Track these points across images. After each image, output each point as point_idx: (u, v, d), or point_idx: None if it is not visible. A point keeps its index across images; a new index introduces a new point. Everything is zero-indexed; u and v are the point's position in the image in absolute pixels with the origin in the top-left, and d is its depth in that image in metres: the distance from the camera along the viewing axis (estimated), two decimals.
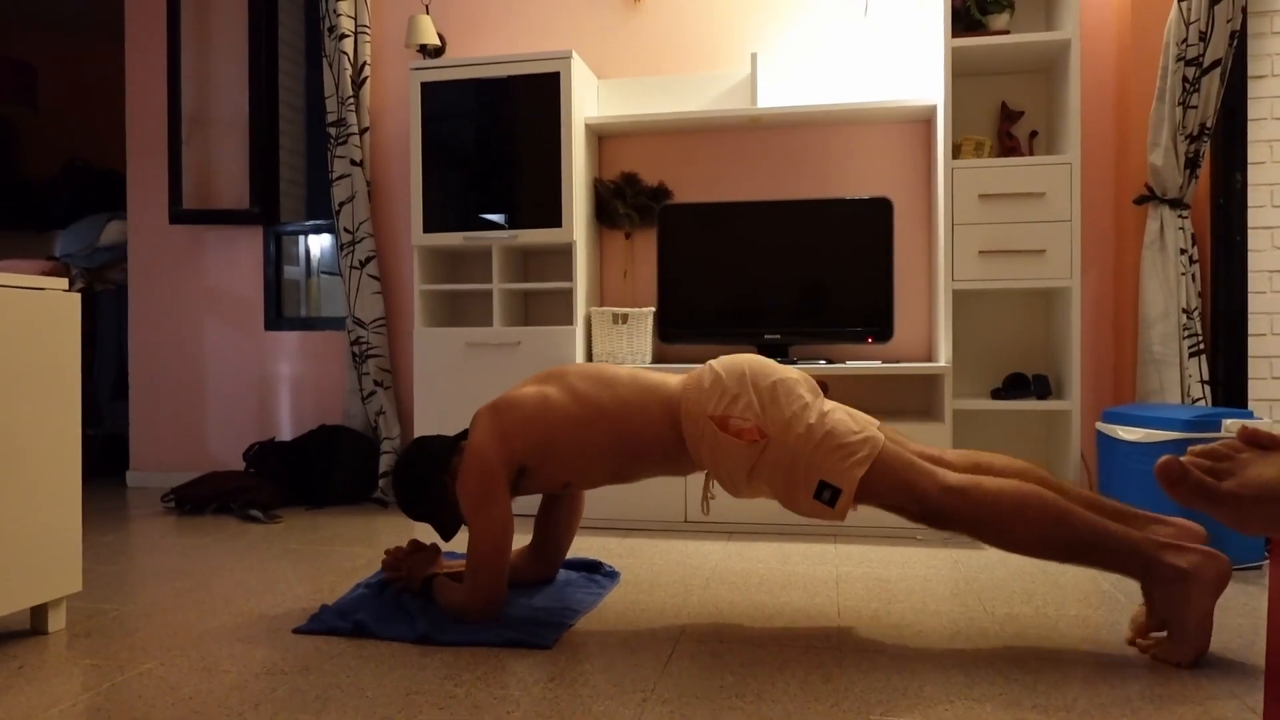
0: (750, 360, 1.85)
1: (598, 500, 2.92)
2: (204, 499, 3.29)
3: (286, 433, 3.81)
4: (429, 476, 1.95)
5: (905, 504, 1.72)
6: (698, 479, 2.83)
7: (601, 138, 3.49)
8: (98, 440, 4.28)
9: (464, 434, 2.03)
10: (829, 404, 1.80)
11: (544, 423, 1.84)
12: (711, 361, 1.88)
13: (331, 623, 1.84)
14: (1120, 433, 2.49)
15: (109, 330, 4.24)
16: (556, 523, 2.12)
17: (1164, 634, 1.63)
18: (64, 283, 1.85)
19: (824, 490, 1.71)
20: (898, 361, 3.15)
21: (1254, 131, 2.92)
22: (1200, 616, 1.56)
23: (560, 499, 2.10)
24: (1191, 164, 2.80)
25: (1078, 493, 1.76)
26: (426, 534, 2.85)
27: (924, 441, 2.72)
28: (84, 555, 2.56)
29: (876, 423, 1.79)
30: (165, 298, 3.95)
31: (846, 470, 1.70)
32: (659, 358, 3.37)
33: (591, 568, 2.27)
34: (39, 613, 1.84)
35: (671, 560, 2.45)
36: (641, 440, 1.84)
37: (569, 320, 3.33)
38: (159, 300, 3.96)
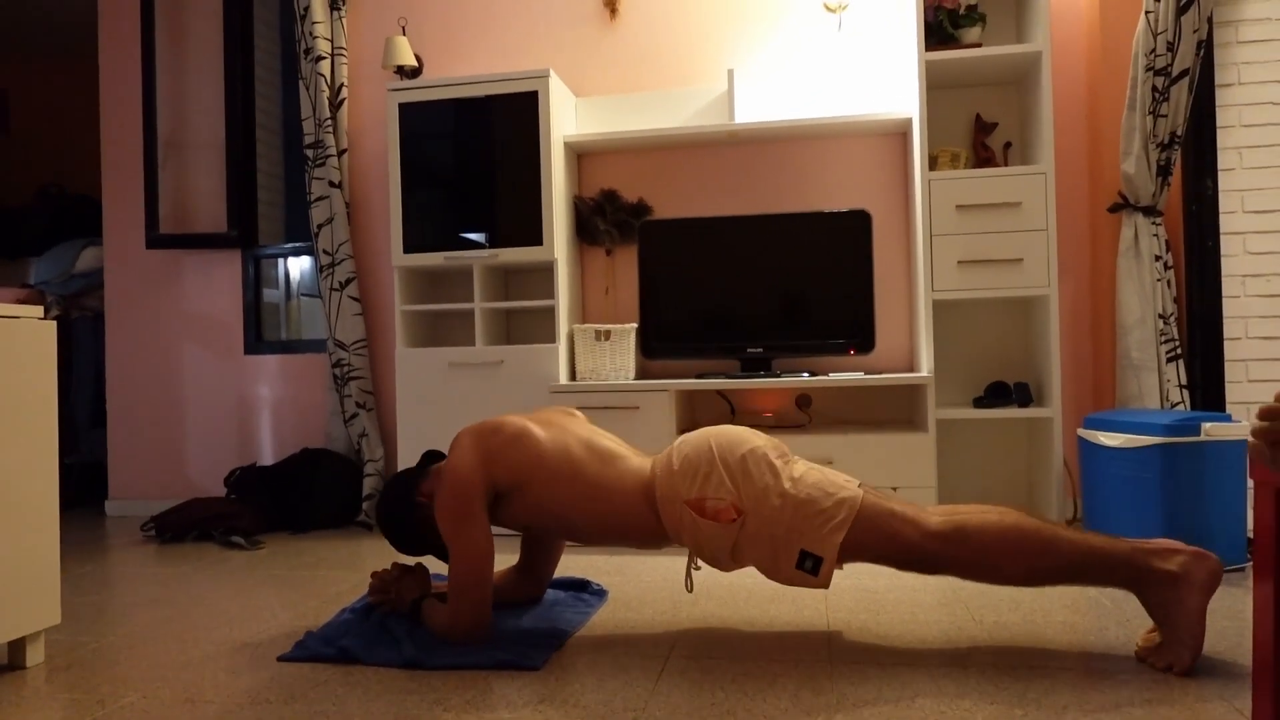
0: (716, 435, 1.82)
1: None
2: (185, 526, 3.24)
3: (268, 457, 3.77)
4: (403, 503, 1.94)
5: (891, 554, 1.70)
6: None
7: (580, 155, 3.50)
8: (75, 469, 4.22)
9: (431, 456, 2.02)
10: (801, 466, 1.77)
11: (524, 455, 1.82)
12: (679, 441, 1.85)
13: (317, 649, 1.81)
14: (1101, 438, 2.51)
15: (86, 357, 4.19)
16: (543, 543, 2.10)
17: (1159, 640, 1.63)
18: (39, 310, 1.83)
19: (805, 559, 1.70)
20: (880, 372, 3.17)
21: (1223, 139, 2.97)
22: (1193, 617, 1.57)
23: None
24: (1163, 172, 2.84)
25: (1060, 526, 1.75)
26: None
27: (910, 452, 2.74)
28: (63, 587, 2.52)
29: (855, 481, 1.75)
30: (143, 323, 3.92)
31: (826, 537, 1.68)
32: (642, 373, 3.37)
33: (579, 586, 2.25)
34: (17, 647, 1.80)
35: (659, 577, 2.44)
36: (622, 520, 1.82)
37: (552, 338, 3.32)
38: (136, 326, 3.92)
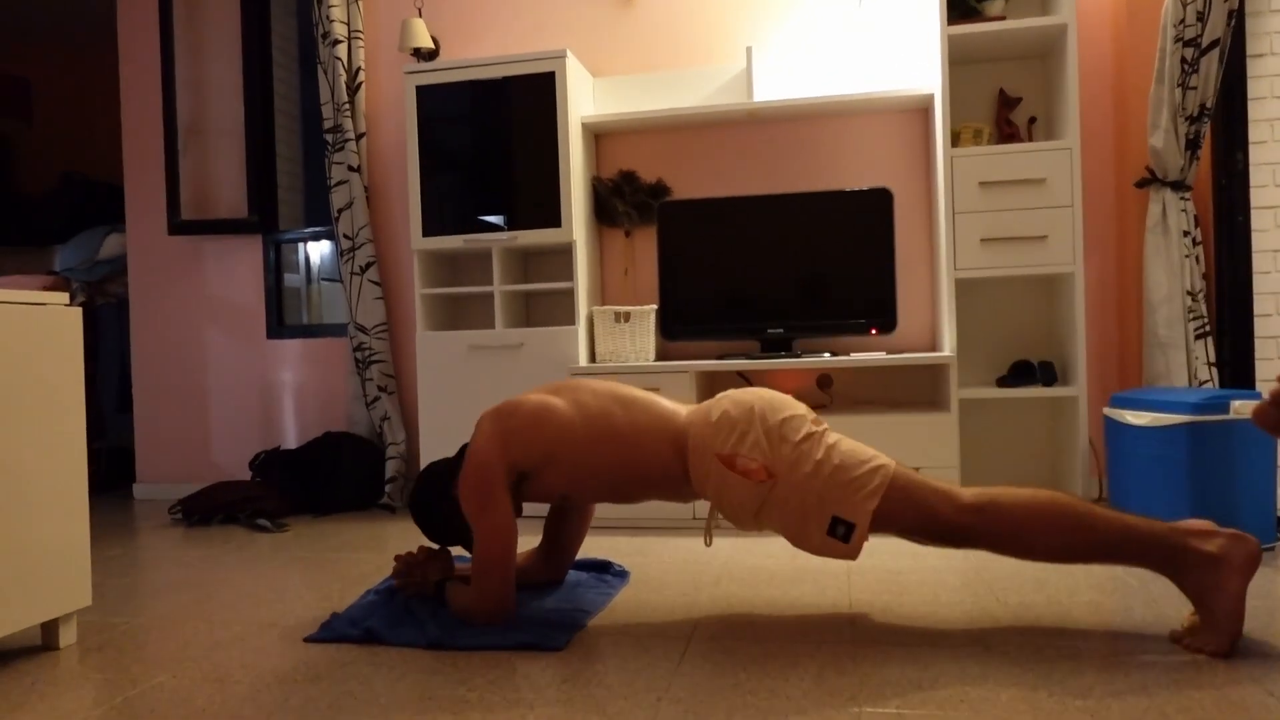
0: (760, 396, 1.81)
1: None
2: (211, 509, 3.28)
3: (291, 441, 3.81)
4: (437, 494, 1.95)
5: (923, 527, 1.69)
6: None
7: (598, 136, 3.48)
8: (103, 454, 4.29)
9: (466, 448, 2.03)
10: (834, 435, 1.77)
11: (546, 431, 1.83)
12: (721, 395, 1.85)
13: (342, 630, 1.83)
14: (1128, 417, 2.48)
15: (111, 343, 4.24)
16: (567, 525, 2.11)
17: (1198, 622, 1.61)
18: (65, 297, 1.85)
19: (838, 526, 1.69)
20: (902, 352, 3.14)
21: (1254, 111, 2.91)
22: (1232, 601, 1.54)
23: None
24: (1192, 145, 2.79)
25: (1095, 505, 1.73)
26: None
27: (932, 432, 2.72)
28: (93, 569, 2.56)
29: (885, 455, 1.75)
30: (166, 309, 3.95)
31: (859, 503, 1.68)
32: (662, 355, 3.36)
33: (601, 568, 2.26)
34: (49, 628, 1.83)
35: (681, 558, 2.44)
36: (647, 467, 1.82)
37: (571, 320, 3.32)
38: (160, 312, 3.96)
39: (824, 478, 1.69)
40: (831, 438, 1.76)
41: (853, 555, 1.70)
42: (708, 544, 1.91)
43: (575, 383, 1.95)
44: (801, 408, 1.81)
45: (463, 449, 2.03)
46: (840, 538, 1.69)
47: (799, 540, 1.74)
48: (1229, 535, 1.58)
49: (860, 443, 1.77)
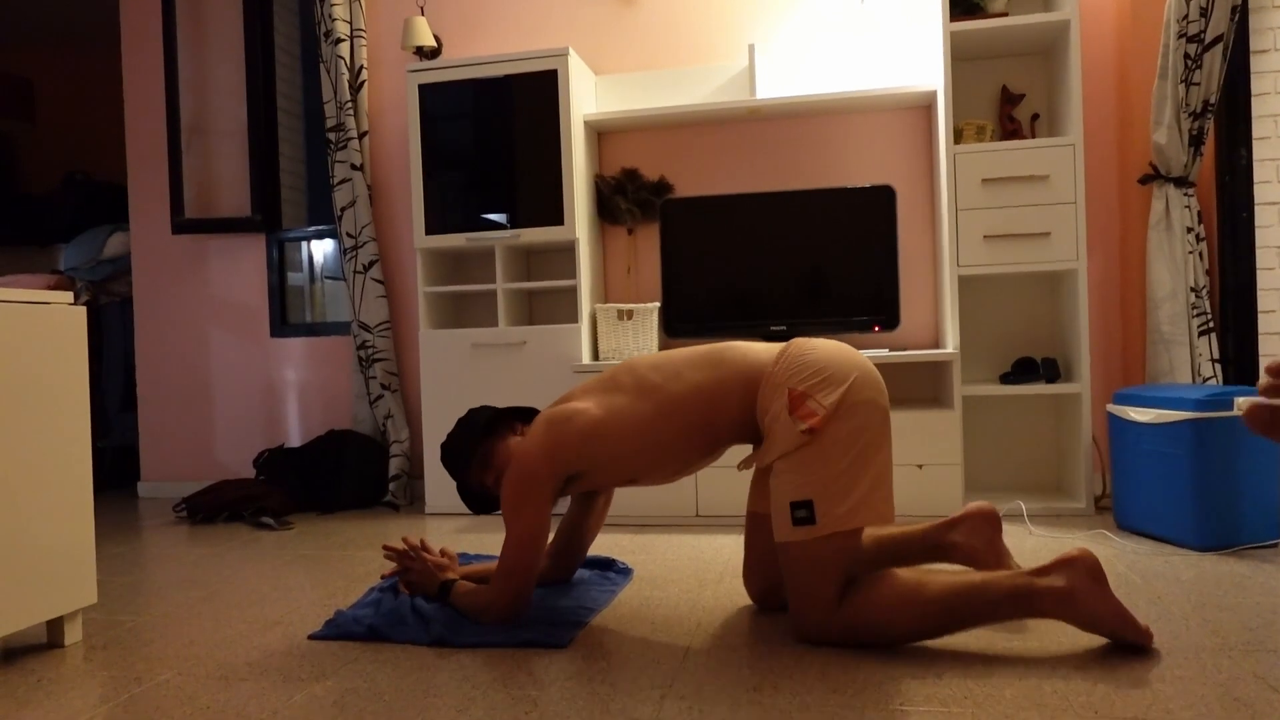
0: (869, 368, 1.70)
1: None
2: (215, 507, 3.29)
3: (295, 439, 3.81)
4: (467, 449, 1.91)
5: (808, 604, 1.64)
6: (708, 474, 2.82)
7: (601, 134, 3.48)
8: (108, 452, 4.29)
9: (516, 412, 1.98)
10: (883, 458, 1.66)
11: (604, 436, 1.78)
12: (834, 342, 1.76)
13: (347, 628, 1.83)
14: (1132, 414, 2.48)
15: (115, 342, 4.25)
16: (582, 527, 2.09)
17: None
18: (69, 296, 1.85)
19: (798, 509, 1.62)
20: (905, 349, 3.14)
21: (1258, 107, 2.90)
22: (1113, 611, 1.55)
23: (590, 504, 2.07)
24: (1195, 141, 2.78)
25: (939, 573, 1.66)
26: (437, 539, 2.85)
27: (936, 429, 2.72)
28: (98, 567, 2.57)
29: (888, 517, 1.66)
30: (170, 308, 3.96)
31: (830, 508, 1.59)
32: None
33: (604, 565, 2.26)
34: (55, 626, 1.84)
35: (684, 555, 2.45)
36: (716, 415, 1.76)
37: (574, 318, 3.32)
38: (164, 310, 3.97)
39: (836, 470, 1.61)
40: (881, 457, 1.65)
41: (819, 533, 1.60)
42: (741, 469, 1.83)
43: (633, 362, 1.88)
44: (885, 400, 1.70)
45: (510, 410, 1.97)
46: (801, 520, 1.61)
47: (776, 519, 1.67)
48: (1061, 563, 1.55)
49: (889, 489, 1.66)
